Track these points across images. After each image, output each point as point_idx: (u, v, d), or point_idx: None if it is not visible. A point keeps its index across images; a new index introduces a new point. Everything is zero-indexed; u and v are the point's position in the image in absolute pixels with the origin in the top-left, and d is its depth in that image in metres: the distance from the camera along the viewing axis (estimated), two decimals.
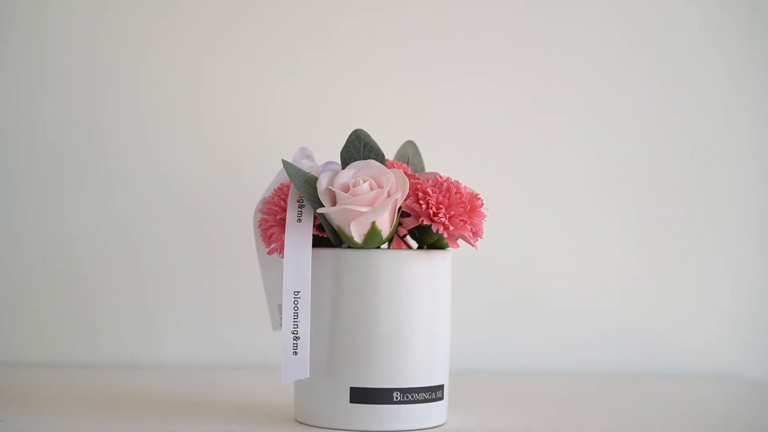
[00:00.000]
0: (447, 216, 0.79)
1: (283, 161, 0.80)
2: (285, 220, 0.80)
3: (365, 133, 0.81)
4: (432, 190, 0.80)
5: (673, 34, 1.24)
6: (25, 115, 1.18)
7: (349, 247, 0.81)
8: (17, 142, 1.18)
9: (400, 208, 0.81)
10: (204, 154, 1.19)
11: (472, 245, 0.81)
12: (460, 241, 0.83)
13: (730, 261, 1.23)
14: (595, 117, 1.24)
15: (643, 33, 1.24)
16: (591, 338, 1.07)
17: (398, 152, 0.87)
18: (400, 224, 0.82)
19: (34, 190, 1.18)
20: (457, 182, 0.80)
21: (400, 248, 0.88)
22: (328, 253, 0.81)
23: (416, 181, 0.81)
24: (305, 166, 0.84)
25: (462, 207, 0.80)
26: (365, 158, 0.81)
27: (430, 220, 0.80)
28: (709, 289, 1.23)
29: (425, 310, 0.81)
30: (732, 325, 1.23)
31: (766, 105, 1.23)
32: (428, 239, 0.83)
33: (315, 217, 0.81)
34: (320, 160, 0.89)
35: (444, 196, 0.80)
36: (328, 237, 0.82)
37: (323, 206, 0.79)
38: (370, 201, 0.78)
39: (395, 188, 0.78)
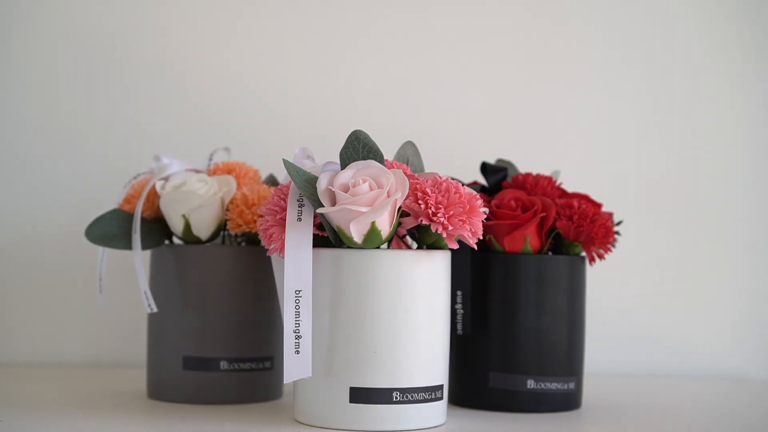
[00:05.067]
0: (446, 216, 0.79)
1: (284, 160, 0.80)
2: (285, 219, 0.80)
3: (364, 133, 0.81)
4: (431, 190, 0.80)
5: (673, 36, 1.24)
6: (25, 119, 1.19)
7: (349, 247, 0.81)
8: (33, 140, 1.18)
9: (399, 208, 0.81)
10: (205, 154, 1.19)
11: (471, 245, 0.82)
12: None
13: (736, 263, 1.23)
14: (605, 119, 1.24)
15: (641, 36, 1.24)
16: (596, 339, 1.08)
17: (398, 153, 0.88)
18: (399, 224, 0.82)
19: (32, 190, 1.19)
20: (457, 182, 0.81)
21: (400, 248, 0.88)
22: (328, 253, 0.81)
23: (415, 181, 0.81)
24: (306, 166, 0.84)
25: (461, 207, 0.80)
26: (364, 159, 0.81)
27: (429, 220, 0.80)
28: (716, 291, 1.23)
29: (425, 310, 0.81)
30: (739, 327, 1.23)
31: None
32: (427, 239, 0.83)
33: (315, 216, 0.81)
34: (320, 160, 0.89)
35: (443, 196, 0.80)
36: (328, 237, 0.82)
37: (323, 206, 0.79)
38: (369, 201, 0.78)
39: (395, 188, 0.79)
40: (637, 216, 1.17)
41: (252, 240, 0.96)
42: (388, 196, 0.78)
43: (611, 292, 1.21)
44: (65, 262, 1.18)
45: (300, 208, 0.80)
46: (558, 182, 0.98)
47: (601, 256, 0.95)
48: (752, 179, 1.24)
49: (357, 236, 0.79)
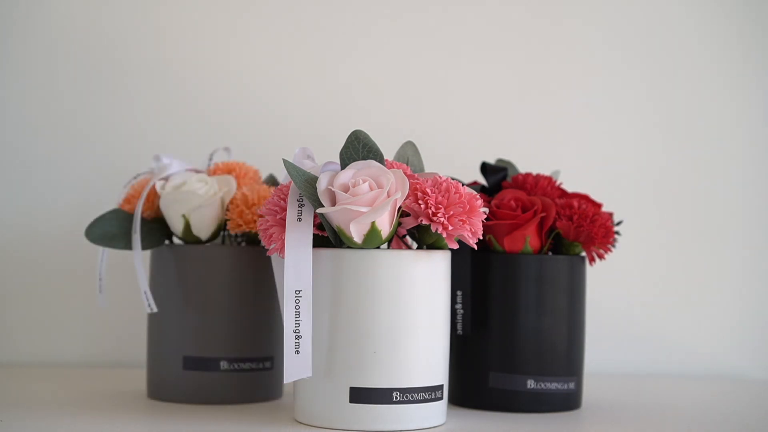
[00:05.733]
0: (446, 216, 0.79)
1: (284, 160, 0.80)
2: (285, 219, 0.80)
3: (364, 133, 0.81)
4: (431, 190, 0.80)
5: (674, 37, 1.24)
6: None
7: (349, 247, 0.81)
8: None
9: (399, 208, 0.81)
10: (205, 154, 1.19)
11: (471, 245, 0.82)
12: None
13: (737, 263, 1.23)
14: (605, 119, 1.24)
15: (642, 38, 1.24)
16: (596, 339, 1.08)
17: (398, 153, 0.88)
18: (399, 224, 0.82)
19: (32, 190, 1.19)
20: (457, 182, 0.81)
21: (400, 248, 0.88)
22: (328, 253, 0.81)
23: (415, 181, 0.81)
24: (306, 166, 0.84)
25: (461, 207, 0.80)
26: (364, 159, 0.81)
27: (429, 220, 0.80)
28: (716, 291, 1.23)
29: (425, 310, 0.81)
30: (739, 327, 1.23)
31: None
32: (427, 239, 0.83)
33: (315, 216, 0.81)
34: (320, 160, 0.89)
35: (443, 196, 0.80)
36: (328, 237, 0.82)
37: (323, 206, 0.79)
38: (369, 201, 0.78)
39: (395, 188, 0.79)
40: (637, 216, 1.17)
41: (252, 240, 0.96)
42: (388, 196, 0.78)
43: (611, 292, 1.21)
44: (65, 262, 1.18)
45: (300, 208, 0.80)
46: (558, 182, 0.98)
47: (601, 256, 0.95)
48: (752, 179, 1.24)
49: (357, 236, 0.79)
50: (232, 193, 0.95)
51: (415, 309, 0.81)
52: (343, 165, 0.81)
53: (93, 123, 1.20)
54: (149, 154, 1.12)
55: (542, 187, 0.96)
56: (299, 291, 0.78)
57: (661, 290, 1.23)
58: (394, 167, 0.82)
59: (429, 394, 0.82)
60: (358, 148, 0.81)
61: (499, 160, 1.03)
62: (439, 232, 0.79)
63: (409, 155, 0.88)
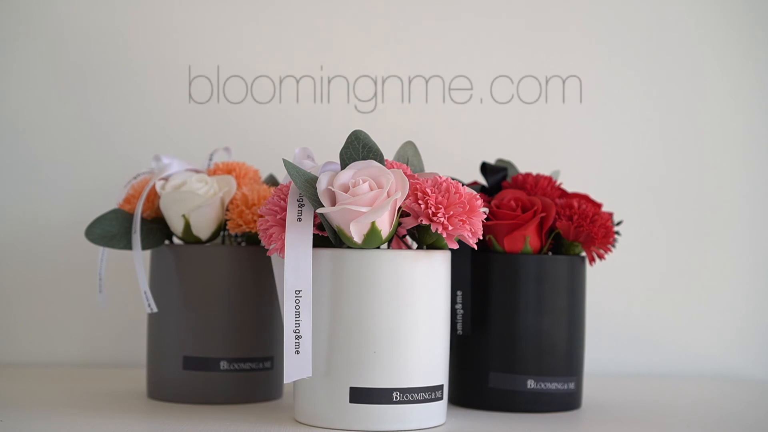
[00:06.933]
0: (446, 216, 0.79)
1: (284, 160, 0.80)
2: (285, 219, 0.80)
3: (364, 133, 0.81)
4: (431, 190, 0.80)
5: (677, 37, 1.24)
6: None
7: (349, 247, 0.81)
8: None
9: (399, 208, 0.81)
10: (205, 154, 1.19)
11: (471, 245, 0.82)
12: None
13: (737, 263, 1.23)
14: (605, 119, 1.24)
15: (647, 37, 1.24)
16: (596, 339, 1.08)
17: (398, 153, 0.88)
18: (399, 224, 0.82)
19: (32, 190, 1.19)
20: (457, 182, 0.81)
21: (400, 248, 0.88)
22: (328, 253, 0.81)
23: (415, 181, 0.81)
24: (306, 166, 0.84)
25: (461, 207, 0.80)
26: (364, 159, 0.81)
27: (429, 220, 0.80)
28: (716, 291, 1.23)
29: (425, 310, 0.81)
30: (740, 327, 1.23)
31: None
32: (427, 239, 0.83)
33: (315, 216, 0.81)
34: (320, 160, 0.89)
35: (443, 196, 0.80)
36: (328, 237, 0.82)
37: (323, 206, 0.79)
38: (369, 201, 0.78)
39: (395, 188, 0.79)
40: (637, 216, 1.17)
41: (252, 240, 0.96)
42: (388, 196, 0.78)
43: (611, 293, 1.21)
44: (65, 262, 1.18)
45: (300, 208, 0.80)
46: (558, 182, 0.98)
47: (601, 256, 0.95)
48: (753, 178, 1.24)
49: (357, 236, 0.79)
50: (232, 193, 0.95)
51: (415, 309, 0.81)
52: (343, 165, 0.81)
53: (93, 123, 1.20)
54: (149, 154, 1.12)
55: (542, 187, 0.96)
56: (299, 291, 0.78)
57: (661, 290, 1.23)
58: (394, 167, 0.82)
59: (429, 394, 0.82)
60: (358, 148, 0.81)
61: (499, 160, 1.03)
62: (439, 232, 0.79)
63: (409, 155, 0.88)
